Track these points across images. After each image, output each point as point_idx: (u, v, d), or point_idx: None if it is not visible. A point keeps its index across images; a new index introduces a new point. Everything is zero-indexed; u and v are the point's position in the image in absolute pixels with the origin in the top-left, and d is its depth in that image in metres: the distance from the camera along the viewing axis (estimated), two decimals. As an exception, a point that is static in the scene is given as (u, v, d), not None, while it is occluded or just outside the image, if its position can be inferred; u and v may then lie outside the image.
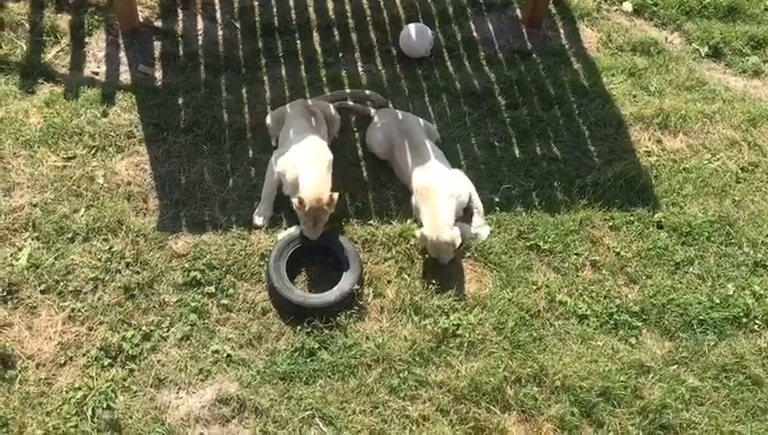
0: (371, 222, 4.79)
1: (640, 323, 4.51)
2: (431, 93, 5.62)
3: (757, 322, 4.58)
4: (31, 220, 4.56)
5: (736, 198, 5.18)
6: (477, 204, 4.85)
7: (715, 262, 4.84)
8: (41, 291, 4.31)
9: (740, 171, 5.36)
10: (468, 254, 4.71)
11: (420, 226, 4.63)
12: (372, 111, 5.30)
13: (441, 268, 4.59)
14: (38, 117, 5.08)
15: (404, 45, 5.84)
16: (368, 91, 5.48)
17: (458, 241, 4.51)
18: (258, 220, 4.70)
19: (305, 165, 4.56)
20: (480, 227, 4.79)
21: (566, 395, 4.15)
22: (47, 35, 5.58)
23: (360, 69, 5.76)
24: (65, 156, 4.92)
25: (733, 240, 4.95)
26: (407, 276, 4.55)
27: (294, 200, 4.44)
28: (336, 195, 4.44)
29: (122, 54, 5.61)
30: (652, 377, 4.28)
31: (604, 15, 6.32)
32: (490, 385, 4.13)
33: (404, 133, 4.99)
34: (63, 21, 5.70)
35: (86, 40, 5.65)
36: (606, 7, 6.38)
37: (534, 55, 5.96)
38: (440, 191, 4.67)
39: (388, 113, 5.23)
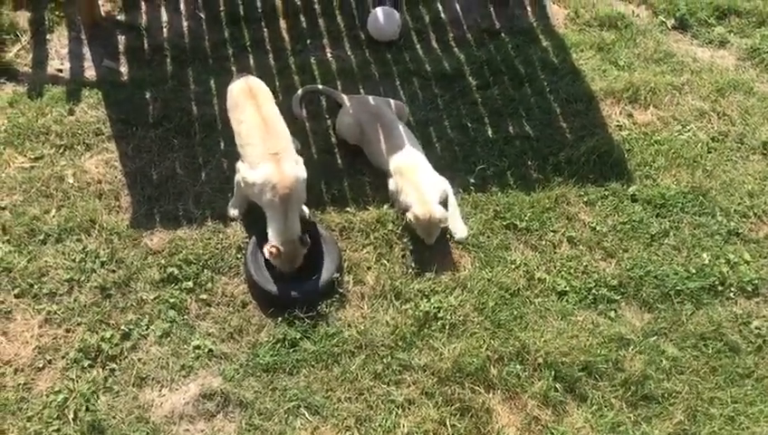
0: (348, 209, 4.76)
1: (619, 297, 4.55)
2: (402, 77, 5.58)
3: (732, 289, 4.64)
4: (0, 223, 4.47)
5: (708, 168, 5.23)
6: (454, 201, 4.75)
7: (689, 232, 4.89)
8: (15, 295, 4.24)
9: (710, 141, 5.41)
10: (447, 236, 4.71)
11: (399, 209, 4.62)
12: (344, 96, 5.24)
13: (420, 252, 4.59)
14: (2, 118, 4.97)
15: (372, 29, 5.79)
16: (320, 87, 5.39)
17: (446, 218, 4.51)
18: (233, 212, 4.65)
19: (270, 206, 4.27)
20: (458, 227, 4.67)
21: (549, 371, 4.18)
22: (6, 33, 5.46)
23: (329, 55, 5.71)
24: (33, 156, 4.82)
25: (706, 210, 5.01)
26: (386, 262, 4.54)
27: (267, 252, 4.23)
28: (306, 237, 4.29)
29: (86, 50, 5.51)
30: (632, 349, 4.32)
31: (570, -9, 6.32)
32: (473, 365, 4.15)
33: (374, 116, 4.95)
34: (23, 18, 5.58)
35: (47, 37, 5.53)
36: (572, -17, 6.39)
37: (503, 34, 5.95)
38: (420, 170, 4.65)
39: (357, 98, 5.18)
